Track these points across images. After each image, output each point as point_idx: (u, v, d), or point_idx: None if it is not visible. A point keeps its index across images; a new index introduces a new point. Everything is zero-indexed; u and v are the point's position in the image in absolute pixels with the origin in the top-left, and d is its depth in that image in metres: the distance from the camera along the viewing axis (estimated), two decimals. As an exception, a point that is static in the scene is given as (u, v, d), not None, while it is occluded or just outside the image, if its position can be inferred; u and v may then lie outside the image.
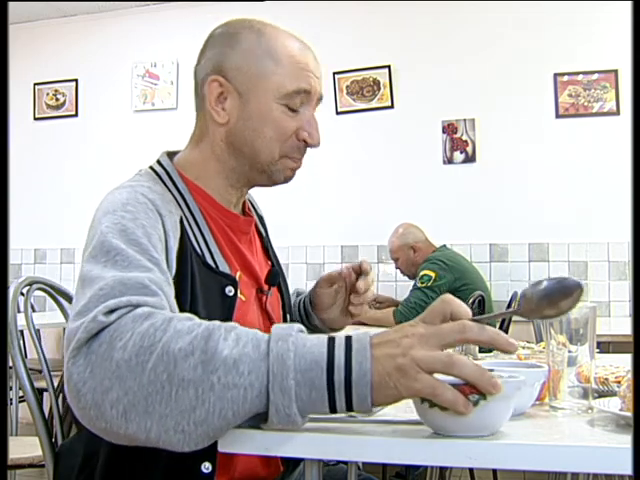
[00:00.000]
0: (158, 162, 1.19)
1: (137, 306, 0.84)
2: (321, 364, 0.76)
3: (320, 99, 1.20)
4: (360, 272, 1.27)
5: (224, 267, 1.14)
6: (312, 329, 1.35)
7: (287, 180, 1.20)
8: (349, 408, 0.78)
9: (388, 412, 0.99)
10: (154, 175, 1.16)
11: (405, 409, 1.02)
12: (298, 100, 1.14)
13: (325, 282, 1.33)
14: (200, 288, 1.07)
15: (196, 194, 1.16)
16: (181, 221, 1.09)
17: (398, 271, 3.80)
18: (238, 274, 1.16)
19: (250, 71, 1.13)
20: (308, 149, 1.19)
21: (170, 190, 1.13)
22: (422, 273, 3.41)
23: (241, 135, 1.14)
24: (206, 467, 1.01)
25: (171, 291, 0.96)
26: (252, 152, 1.15)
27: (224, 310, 1.08)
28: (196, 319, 0.84)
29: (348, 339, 0.79)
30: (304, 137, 1.16)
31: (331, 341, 0.79)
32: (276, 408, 0.77)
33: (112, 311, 0.83)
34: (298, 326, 0.82)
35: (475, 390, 0.78)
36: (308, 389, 0.76)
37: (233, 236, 1.19)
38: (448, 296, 0.83)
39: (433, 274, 3.37)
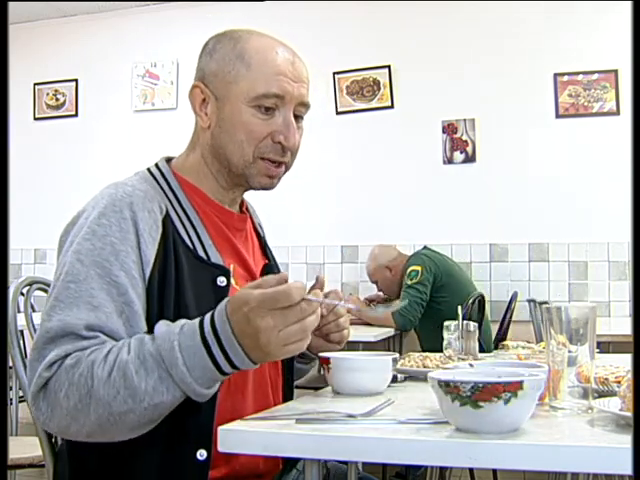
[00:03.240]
0: (156, 165, 1.24)
1: (67, 355, 1.00)
2: (210, 366, 0.97)
3: (303, 105, 1.19)
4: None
5: (217, 258, 1.16)
6: (299, 356, 1.29)
7: (264, 187, 1.21)
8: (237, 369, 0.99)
9: (389, 412, 0.99)
10: (148, 175, 1.20)
11: (405, 409, 1.02)
12: (270, 103, 1.15)
13: None
14: (189, 280, 1.10)
15: (190, 192, 1.20)
16: (165, 219, 1.12)
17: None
18: (232, 266, 1.19)
19: (223, 76, 1.17)
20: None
21: (162, 187, 1.17)
22: (409, 270, 3.41)
23: (219, 138, 1.18)
24: (201, 454, 1.06)
25: (130, 308, 1.05)
26: (226, 155, 1.18)
27: (216, 300, 1.08)
28: (112, 355, 0.99)
29: (217, 336, 0.96)
30: (279, 140, 1.17)
31: (205, 341, 0.97)
32: (201, 399, 1.00)
33: (52, 364, 0.99)
34: (178, 329, 0.99)
35: (507, 389, 0.82)
36: (209, 382, 0.99)
37: (227, 231, 1.23)
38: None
39: (419, 268, 3.38)
